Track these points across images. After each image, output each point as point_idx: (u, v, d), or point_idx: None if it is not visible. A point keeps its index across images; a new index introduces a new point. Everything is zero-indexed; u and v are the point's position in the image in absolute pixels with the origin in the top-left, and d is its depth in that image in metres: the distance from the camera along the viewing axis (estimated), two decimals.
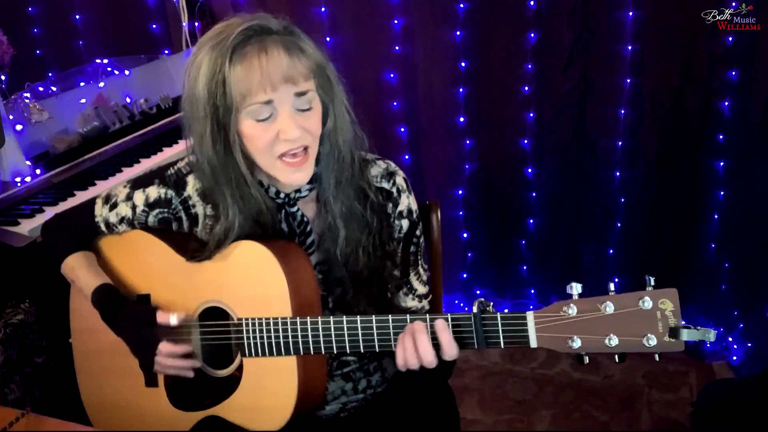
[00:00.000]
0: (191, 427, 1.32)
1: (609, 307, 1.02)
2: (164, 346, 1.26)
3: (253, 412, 1.26)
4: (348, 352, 1.19)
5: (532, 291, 2.99)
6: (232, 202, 1.22)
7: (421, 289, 1.39)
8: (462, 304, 3.04)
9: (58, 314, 1.84)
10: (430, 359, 1.11)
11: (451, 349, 1.11)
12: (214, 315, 1.29)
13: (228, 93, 1.13)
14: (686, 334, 0.98)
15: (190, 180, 1.30)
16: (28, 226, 1.87)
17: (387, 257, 1.33)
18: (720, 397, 1.96)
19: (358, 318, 1.16)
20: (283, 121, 1.14)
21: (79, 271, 1.36)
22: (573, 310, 1.04)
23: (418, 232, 1.37)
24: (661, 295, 1.01)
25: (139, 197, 1.33)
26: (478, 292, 3.03)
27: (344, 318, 1.17)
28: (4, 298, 1.81)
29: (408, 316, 1.14)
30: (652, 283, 1.02)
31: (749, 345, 2.60)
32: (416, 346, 1.11)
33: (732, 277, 2.65)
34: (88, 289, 1.34)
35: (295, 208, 1.29)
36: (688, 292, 2.75)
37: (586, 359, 1.06)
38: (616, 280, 2.82)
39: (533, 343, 1.07)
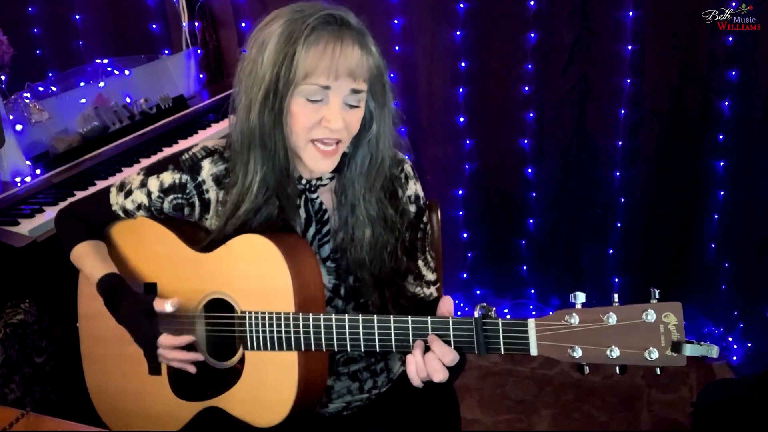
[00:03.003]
0: (192, 417, 1.33)
1: (612, 318, 1.01)
2: (164, 338, 1.27)
3: (253, 405, 1.26)
4: (348, 350, 1.20)
5: (532, 291, 2.99)
6: (259, 168, 1.23)
7: (430, 275, 1.41)
8: (462, 304, 3.04)
9: (58, 314, 1.85)
10: (441, 377, 1.11)
11: (445, 356, 1.11)
12: (220, 307, 1.30)
13: (294, 67, 1.15)
14: (689, 349, 0.97)
15: (206, 164, 1.31)
16: (28, 226, 1.87)
17: (407, 254, 1.35)
18: (720, 397, 1.96)
19: (360, 317, 1.17)
20: (331, 110, 1.17)
21: (87, 259, 1.37)
22: (575, 320, 1.03)
23: (425, 219, 1.39)
24: (664, 308, 0.99)
25: (153, 183, 1.33)
26: (478, 292, 3.03)
27: (346, 316, 1.18)
28: (4, 298, 1.81)
29: (409, 318, 1.14)
30: (657, 296, 1.01)
31: (749, 345, 2.60)
32: (425, 365, 1.12)
33: (732, 277, 2.65)
34: (94, 277, 1.35)
35: (315, 195, 1.31)
36: (688, 292, 2.76)
37: (587, 369, 1.05)
38: (617, 279, 2.82)
39: (533, 351, 1.06)
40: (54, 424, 1.23)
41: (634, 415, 2.46)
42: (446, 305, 1.16)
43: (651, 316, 0.99)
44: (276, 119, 1.19)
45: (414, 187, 1.38)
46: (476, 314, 1.10)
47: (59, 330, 1.86)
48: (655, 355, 0.99)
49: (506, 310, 3.01)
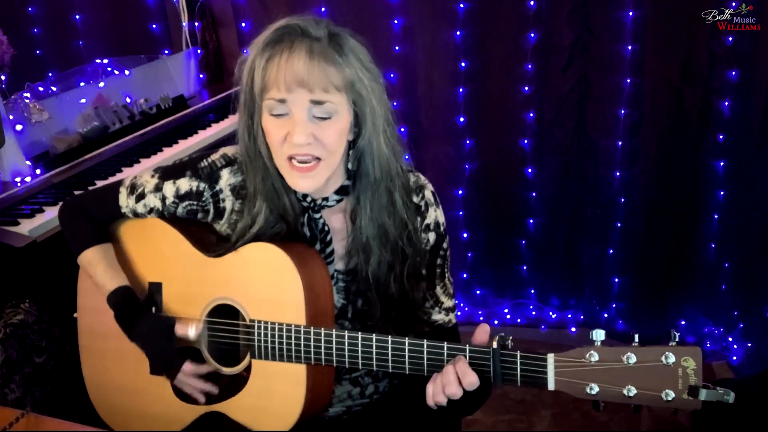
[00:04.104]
0: (193, 421, 1.32)
1: (631, 359, 1.02)
2: (188, 366, 1.28)
3: (258, 414, 1.26)
4: (360, 368, 1.20)
5: (532, 291, 2.99)
6: (260, 194, 1.23)
7: (447, 302, 1.38)
8: (462, 304, 3.04)
9: (58, 314, 1.84)
10: (453, 390, 1.10)
11: (466, 377, 1.09)
12: (225, 313, 1.29)
13: (254, 83, 1.16)
14: (705, 395, 0.98)
15: (224, 174, 1.29)
16: (28, 226, 1.87)
17: (416, 280, 1.32)
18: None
19: (374, 336, 1.16)
20: (294, 123, 1.14)
21: (98, 266, 1.35)
22: (595, 357, 1.03)
23: (444, 245, 1.35)
24: (684, 352, 1.00)
25: (169, 189, 1.31)
26: (478, 292, 3.03)
27: (359, 334, 1.17)
28: (4, 298, 1.81)
29: (425, 341, 1.13)
30: (677, 338, 1.02)
31: (749, 345, 2.60)
32: (442, 383, 1.11)
33: (732, 277, 2.65)
34: (105, 288, 1.33)
35: (318, 215, 1.28)
36: (688, 292, 2.76)
37: (602, 406, 1.05)
38: (617, 280, 2.82)
39: (551, 386, 1.06)
40: (54, 424, 1.22)
41: (634, 415, 2.46)
42: (481, 334, 1.13)
43: (670, 358, 1.00)
44: (255, 140, 1.20)
45: (434, 214, 1.33)
46: (494, 344, 1.09)
47: (59, 330, 1.86)
48: (671, 397, 1.00)
49: (506, 310, 3.01)
